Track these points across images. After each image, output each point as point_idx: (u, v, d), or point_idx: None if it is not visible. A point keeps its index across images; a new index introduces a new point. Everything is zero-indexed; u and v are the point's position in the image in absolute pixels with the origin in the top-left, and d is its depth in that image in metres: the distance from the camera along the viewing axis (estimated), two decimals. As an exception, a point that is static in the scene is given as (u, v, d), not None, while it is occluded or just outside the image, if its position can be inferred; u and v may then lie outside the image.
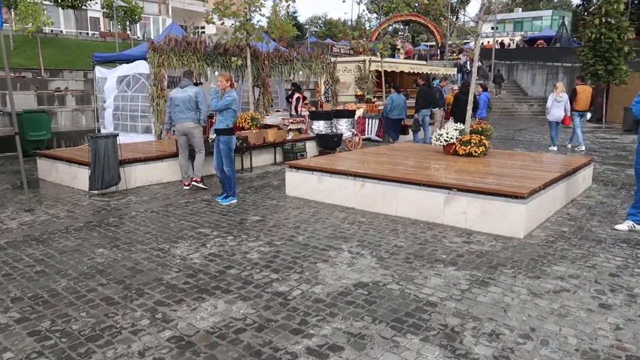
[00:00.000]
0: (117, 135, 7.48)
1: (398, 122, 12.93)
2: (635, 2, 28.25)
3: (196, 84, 10.26)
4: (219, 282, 4.28)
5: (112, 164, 7.32)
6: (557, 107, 12.09)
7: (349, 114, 12.77)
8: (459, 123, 8.56)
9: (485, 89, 13.47)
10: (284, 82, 15.11)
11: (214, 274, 4.45)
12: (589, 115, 22.35)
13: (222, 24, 11.42)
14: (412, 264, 4.67)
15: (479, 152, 7.89)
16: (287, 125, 12.09)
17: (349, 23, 53.15)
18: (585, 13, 40.48)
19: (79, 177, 8.08)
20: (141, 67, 11.47)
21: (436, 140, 8.31)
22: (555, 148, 12.62)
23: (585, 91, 13.07)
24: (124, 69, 12.29)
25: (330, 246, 5.18)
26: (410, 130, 13.71)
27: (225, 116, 6.89)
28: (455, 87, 13.89)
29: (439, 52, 42.26)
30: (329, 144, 11.47)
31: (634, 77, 19.26)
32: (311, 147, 11.55)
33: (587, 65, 18.72)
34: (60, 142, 13.67)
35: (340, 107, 14.57)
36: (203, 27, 46.25)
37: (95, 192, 7.55)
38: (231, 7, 10.82)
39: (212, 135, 7.07)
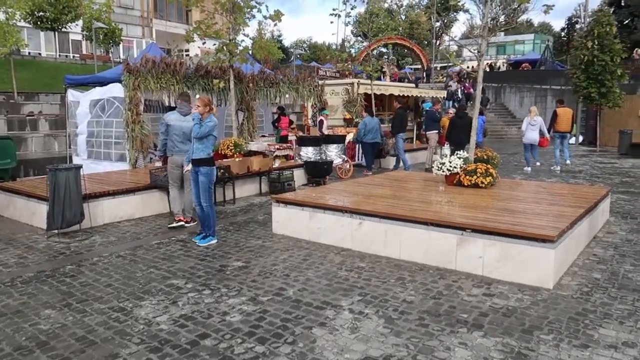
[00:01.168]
0: (80, 167, 6.59)
1: (374, 147, 12.36)
2: (623, 22, 28.35)
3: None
4: (189, 359, 3.38)
5: (74, 200, 6.40)
6: (532, 130, 12.38)
7: (339, 139, 12.04)
8: (462, 151, 7.83)
9: (481, 113, 12.86)
10: (269, 105, 14.37)
11: (184, 347, 3.55)
12: (580, 137, 22.18)
13: (204, 44, 10.69)
14: (429, 327, 3.83)
15: (485, 182, 7.16)
16: (273, 152, 11.29)
17: (334, 47, 53.19)
18: (570, 37, 40.86)
19: (38, 214, 7.13)
20: (116, 90, 10.64)
21: (438, 170, 7.57)
22: (529, 169, 12.83)
23: (565, 113, 13.33)
24: (97, 92, 11.44)
25: (327, 302, 4.32)
26: (388, 155, 13.25)
27: (206, 144, 6.08)
28: (451, 110, 13.27)
29: (425, 75, 42.21)
30: (319, 171, 10.68)
31: (626, 100, 18.92)
32: (299, 175, 10.73)
33: (579, 88, 18.38)
34: (28, 170, 12.68)
35: (330, 132, 13.85)
36: (187, 50, 45.68)
37: (55, 231, 6.60)
38: (213, 26, 10.09)
39: (188, 167, 6.21)
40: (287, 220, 6.57)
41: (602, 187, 8.15)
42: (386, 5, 52.21)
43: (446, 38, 60.49)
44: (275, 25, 10.61)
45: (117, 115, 10.60)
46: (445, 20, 65.31)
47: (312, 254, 5.77)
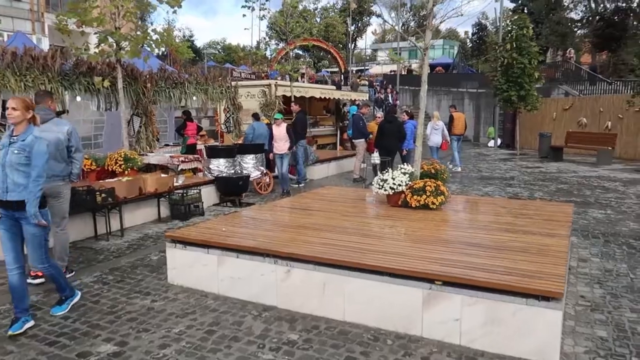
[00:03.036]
0: None
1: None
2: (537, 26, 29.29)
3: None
4: None
5: None
6: (435, 134, 12.90)
7: (257, 148, 10.35)
8: (406, 165, 6.52)
9: (411, 117, 11.81)
10: (174, 109, 12.36)
11: None
12: (499, 141, 22.27)
13: (82, 33, 8.55)
14: None
15: (437, 203, 5.88)
16: (177, 165, 9.40)
17: (249, 49, 51.28)
18: (480, 41, 42.22)
19: None
20: (-38, 90, 8.21)
21: (379, 188, 6.19)
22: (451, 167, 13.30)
23: (460, 118, 14.16)
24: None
25: None
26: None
27: (37, 178, 3.79)
28: (379, 114, 12.10)
29: (342, 78, 41.62)
30: (233, 188, 8.96)
31: (542, 103, 19.00)
32: (209, 194, 8.95)
33: (500, 91, 18.17)
34: None
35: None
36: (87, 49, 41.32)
37: None
38: (92, 10, 8.00)
39: None
40: (187, 267, 4.83)
41: (563, 204, 7.21)
42: (301, 7, 51.24)
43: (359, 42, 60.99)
44: (175, 12, 8.73)
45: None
46: (359, 25, 65.96)
47: (222, 319, 4.09)
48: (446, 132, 13.25)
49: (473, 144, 24.76)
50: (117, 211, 6.78)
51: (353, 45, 64.45)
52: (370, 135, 11.53)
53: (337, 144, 18.92)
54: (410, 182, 6.12)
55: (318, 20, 61.29)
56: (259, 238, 4.74)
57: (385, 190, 6.13)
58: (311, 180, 12.09)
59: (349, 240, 4.57)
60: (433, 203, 5.87)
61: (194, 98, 11.71)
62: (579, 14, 35.32)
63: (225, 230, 5.03)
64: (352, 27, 62.15)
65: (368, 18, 66.69)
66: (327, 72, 53.21)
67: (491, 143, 22.76)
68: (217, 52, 63.36)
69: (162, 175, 7.88)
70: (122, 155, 7.99)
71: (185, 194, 7.82)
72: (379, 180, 6.22)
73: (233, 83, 13.28)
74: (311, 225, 5.20)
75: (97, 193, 6.38)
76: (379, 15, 68.86)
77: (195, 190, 8.13)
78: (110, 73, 9.20)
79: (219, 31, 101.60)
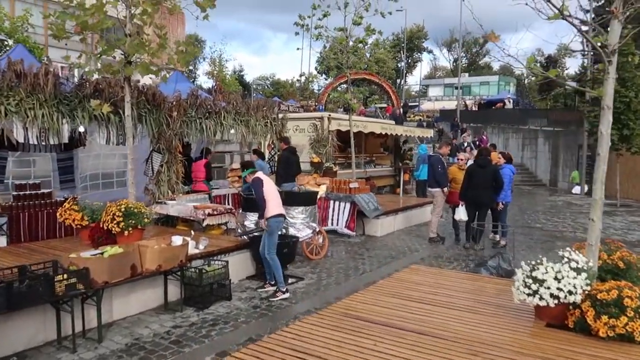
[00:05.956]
0: None
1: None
2: None
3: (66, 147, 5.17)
4: None
5: None
6: None
7: (308, 198, 7.84)
8: (577, 254, 3.80)
9: (509, 160, 9.03)
10: (205, 144, 10.11)
11: None
12: (585, 187, 18.93)
13: (82, 40, 6.44)
14: None
15: (650, 333, 3.14)
16: (202, 219, 7.04)
17: (297, 84, 50.13)
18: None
19: None
20: None
21: (529, 294, 3.49)
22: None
23: (495, 158, 11.99)
24: None
25: None
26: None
27: None
28: (462, 156, 9.39)
29: (400, 113, 39.24)
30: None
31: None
32: (242, 263, 6.46)
33: (597, 129, 15.08)
34: None
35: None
36: (138, 82, 40.81)
37: None
38: (95, 10, 5.86)
39: None
40: None
41: None
42: (351, 43, 50.01)
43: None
44: (205, 18, 6.51)
45: None
46: (410, 60, 64.24)
47: None
48: None
49: (549, 190, 21.45)
50: (93, 301, 4.36)
51: (404, 80, 62.57)
52: (450, 184, 8.80)
53: (396, 186, 16.24)
54: (587, 288, 3.41)
55: (368, 55, 59.76)
56: None
57: (541, 299, 3.43)
58: (373, 237, 9.46)
59: None
60: (643, 334, 3.13)
61: (232, 131, 9.47)
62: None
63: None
64: (403, 63, 60.42)
65: (419, 54, 64.84)
66: (377, 107, 51.16)
67: (576, 189, 19.43)
68: (265, 86, 62.83)
69: (174, 239, 5.43)
70: (122, 209, 5.66)
71: (205, 269, 5.34)
72: (527, 279, 3.54)
73: (280, 115, 11.02)
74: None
75: (60, 277, 4.00)
76: (430, 51, 66.89)
77: (220, 264, 5.65)
78: (122, 96, 7.07)
79: (269, 68, 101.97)
